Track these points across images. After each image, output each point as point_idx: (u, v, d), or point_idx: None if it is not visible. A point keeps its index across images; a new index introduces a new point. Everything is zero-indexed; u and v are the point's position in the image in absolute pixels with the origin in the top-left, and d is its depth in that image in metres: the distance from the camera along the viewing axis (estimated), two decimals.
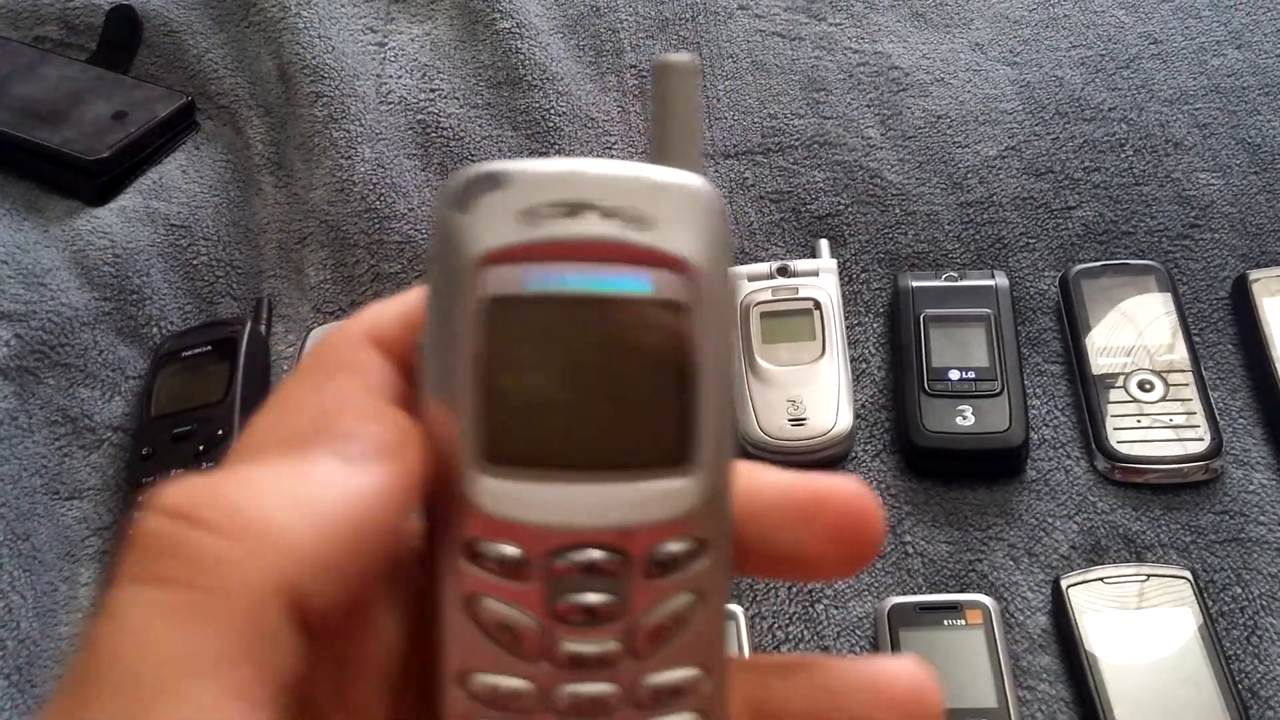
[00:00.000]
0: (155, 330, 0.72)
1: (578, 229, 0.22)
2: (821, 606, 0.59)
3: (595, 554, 0.23)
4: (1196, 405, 0.62)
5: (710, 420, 0.23)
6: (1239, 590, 0.57)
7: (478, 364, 0.23)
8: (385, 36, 0.86)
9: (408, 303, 0.27)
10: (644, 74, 0.83)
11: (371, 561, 0.23)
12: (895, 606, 0.56)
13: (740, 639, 0.56)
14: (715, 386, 0.23)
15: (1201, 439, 0.61)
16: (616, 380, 0.23)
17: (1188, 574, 0.56)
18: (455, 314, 0.23)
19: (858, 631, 0.58)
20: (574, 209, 0.23)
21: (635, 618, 0.23)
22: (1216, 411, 0.62)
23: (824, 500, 0.26)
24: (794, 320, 0.66)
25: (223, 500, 0.22)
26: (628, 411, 0.23)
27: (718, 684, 0.24)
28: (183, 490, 0.22)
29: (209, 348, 0.69)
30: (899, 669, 0.26)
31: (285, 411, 0.26)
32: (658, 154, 0.25)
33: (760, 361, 0.64)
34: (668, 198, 0.23)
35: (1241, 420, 0.63)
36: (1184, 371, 0.63)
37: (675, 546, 0.23)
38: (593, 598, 0.23)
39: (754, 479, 0.26)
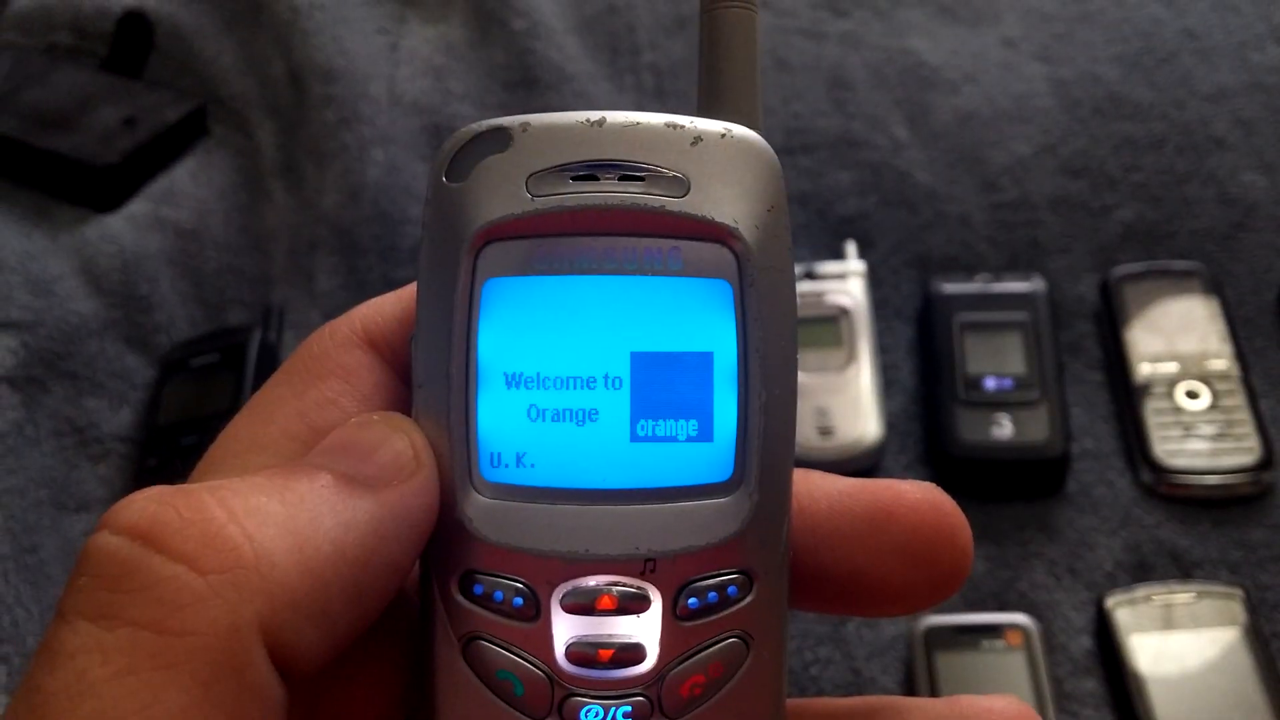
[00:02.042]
0: (163, 338, 0.70)
1: (594, 196, 0.18)
2: (851, 626, 0.56)
3: (615, 588, 0.19)
4: (1245, 414, 0.59)
5: (757, 424, 0.19)
6: None
7: (473, 361, 0.19)
8: (398, 38, 0.84)
9: (405, 298, 0.24)
10: (662, 72, 0.81)
11: (368, 601, 0.19)
12: (931, 628, 0.54)
13: None
14: (766, 382, 0.19)
15: (1251, 450, 0.58)
16: (642, 380, 0.19)
17: (1239, 592, 0.54)
18: (449, 301, 0.19)
19: (890, 653, 0.55)
20: (591, 170, 0.19)
21: (665, 667, 0.19)
22: (1266, 421, 0.59)
23: (894, 508, 0.22)
24: (820, 327, 0.63)
25: (197, 521, 0.18)
26: (656, 417, 0.19)
27: None
28: (148, 506, 0.19)
29: (217, 356, 0.68)
30: (998, 711, 0.22)
31: (265, 416, 0.23)
32: (708, 103, 0.21)
33: None
34: (709, 154, 0.18)
35: None
36: (1231, 379, 0.60)
37: (714, 579, 0.19)
38: (613, 641, 0.19)
39: (807, 486, 0.22)
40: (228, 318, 0.72)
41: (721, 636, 0.19)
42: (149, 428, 0.66)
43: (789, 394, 0.20)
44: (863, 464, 0.60)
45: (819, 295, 0.64)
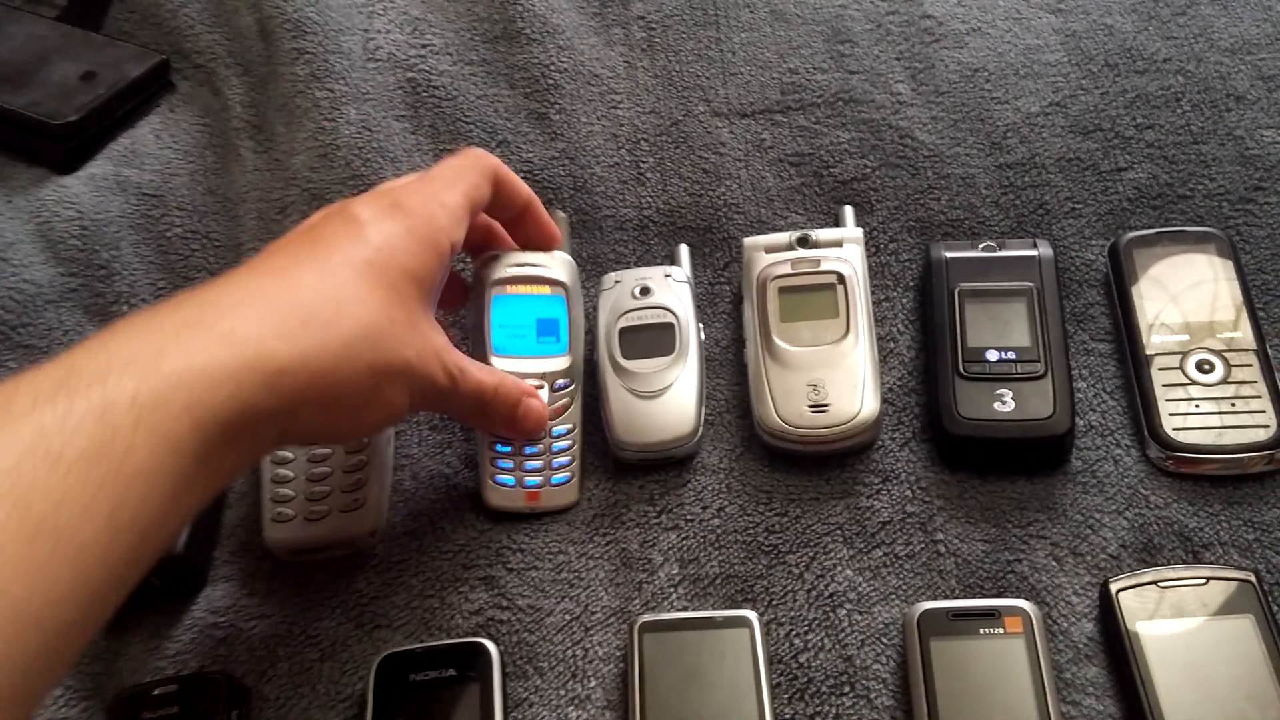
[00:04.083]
0: (125, 308, 0.67)
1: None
2: (844, 612, 0.53)
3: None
4: (1261, 388, 0.56)
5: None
6: None
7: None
8: None
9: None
10: (653, 25, 0.77)
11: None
12: (926, 613, 0.51)
13: (756, 647, 0.51)
14: None
15: (1266, 425, 0.55)
16: None
17: (1251, 576, 0.51)
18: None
19: (884, 639, 0.53)
20: None
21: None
22: None
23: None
24: (815, 296, 0.60)
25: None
26: None
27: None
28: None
29: None
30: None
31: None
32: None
33: (778, 342, 0.58)
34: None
35: None
36: (1247, 350, 0.57)
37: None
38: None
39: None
40: (193, 285, 0.68)
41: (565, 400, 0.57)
42: None
43: None
44: (858, 440, 0.57)
45: (815, 263, 0.61)
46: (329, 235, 0.47)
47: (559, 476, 0.58)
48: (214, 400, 0.38)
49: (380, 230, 0.47)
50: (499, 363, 0.57)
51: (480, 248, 0.60)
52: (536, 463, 0.57)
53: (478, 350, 0.58)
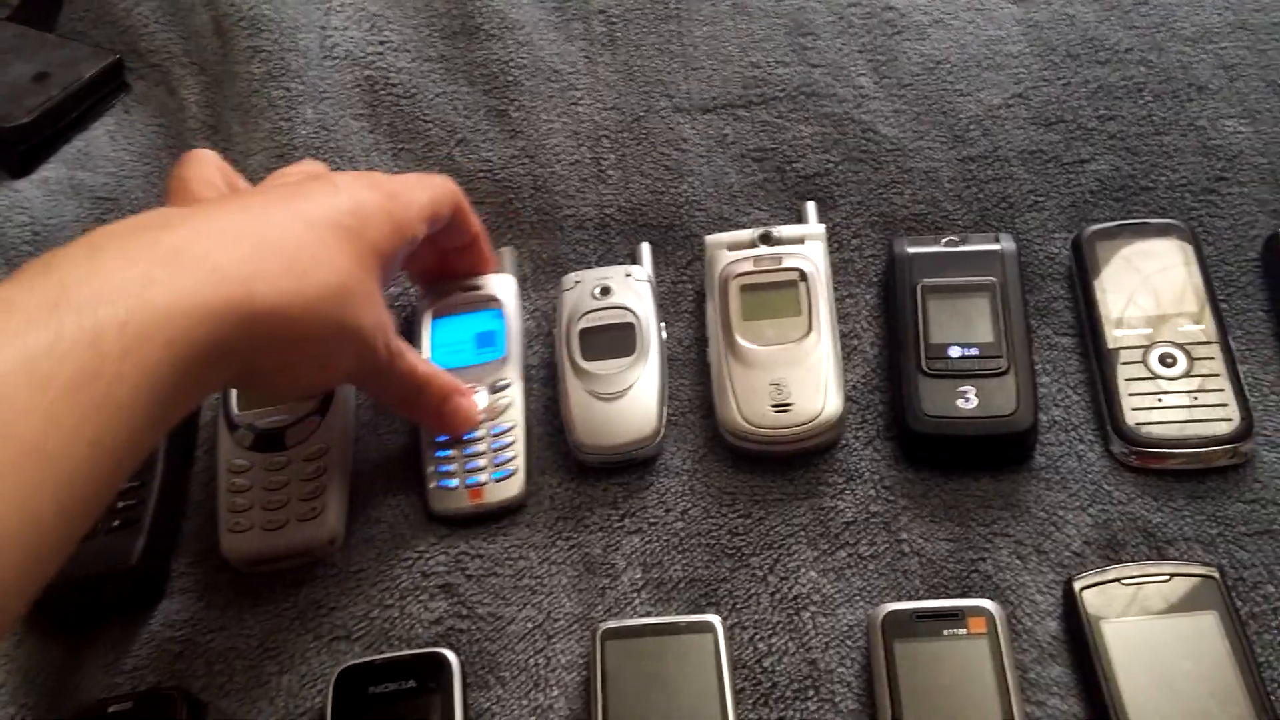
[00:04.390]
0: None
1: None
2: (808, 614, 0.53)
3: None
4: (1224, 381, 0.56)
5: None
6: (1272, 589, 0.52)
7: None
8: None
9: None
10: (614, 20, 0.76)
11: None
12: (890, 614, 0.51)
13: (719, 652, 0.50)
14: None
15: (1229, 419, 0.55)
16: None
17: (1215, 572, 0.51)
18: None
19: (848, 642, 0.52)
20: None
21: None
22: (1246, 388, 0.56)
23: None
24: (778, 294, 0.59)
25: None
26: None
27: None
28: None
29: None
30: None
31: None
32: None
33: (740, 341, 0.58)
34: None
35: (1274, 396, 0.57)
36: (1210, 344, 0.57)
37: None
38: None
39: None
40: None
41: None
42: None
43: None
44: (822, 440, 0.57)
45: (777, 261, 0.60)
46: (309, 191, 0.48)
47: (500, 472, 0.57)
48: (195, 335, 0.40)
49: (356, 198, 0.49)
50: None
51: (428, 271, 0.61)
52: (479, 461, 0.57)
53: None
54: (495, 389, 0.59)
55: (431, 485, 0.57)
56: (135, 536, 0.55)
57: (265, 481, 0.56)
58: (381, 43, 0.75)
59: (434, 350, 0.60)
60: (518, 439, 0.58)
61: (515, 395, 0.59)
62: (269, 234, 0.44)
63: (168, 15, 0.79)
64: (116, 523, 0.55)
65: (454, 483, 0.57)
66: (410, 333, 0.61)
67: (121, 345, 0.37)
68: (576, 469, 0.59)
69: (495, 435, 0.58)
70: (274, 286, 0.43)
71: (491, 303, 0.61)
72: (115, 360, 0.37)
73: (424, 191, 0.54)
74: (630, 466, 0.58)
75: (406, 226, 0.51)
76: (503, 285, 0.62)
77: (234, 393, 0.59)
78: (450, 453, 0.57)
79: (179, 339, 0.39)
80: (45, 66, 0.75)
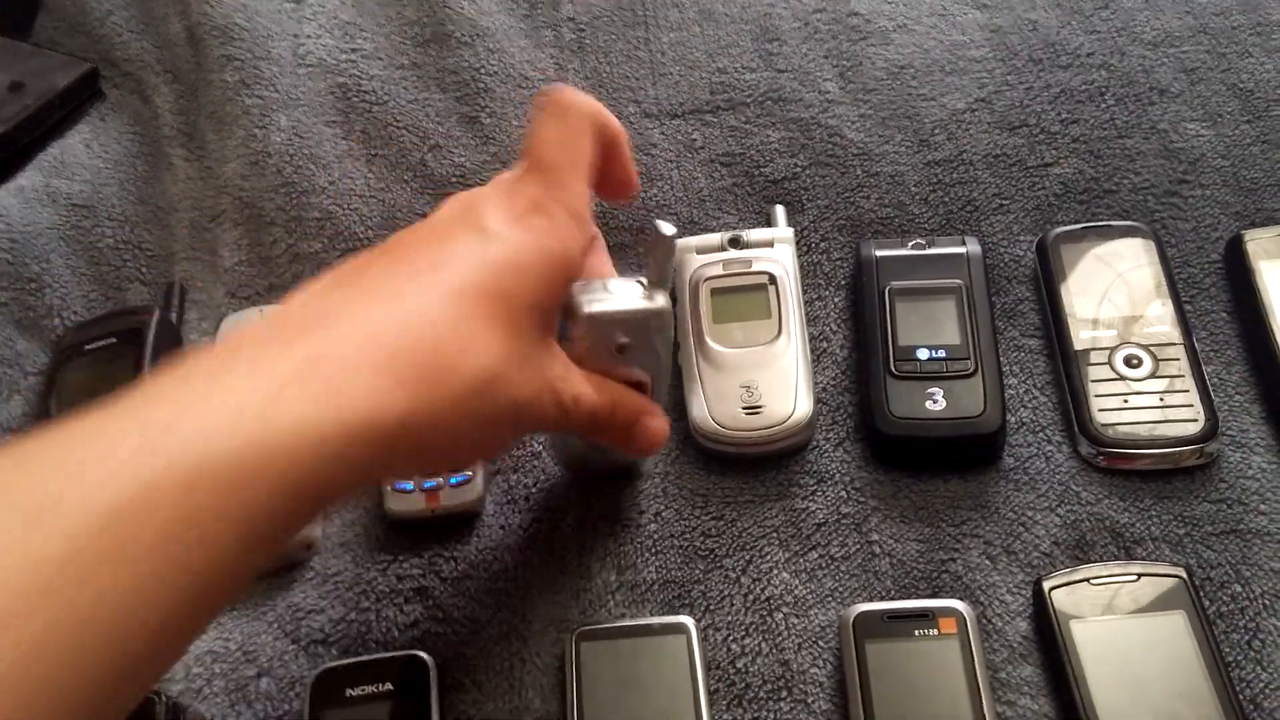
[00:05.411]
0: (57, 321, 0.66)
1: None
2: (781, 615, 0.54)
3: None
4: (1189, 382, 0.57)
5: None
6: (1239, 588, 0.52)
7: None
8: None
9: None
10: (583, 27, 0.76)
11: None
12: (861, 615, 0.51)
13: (693, 654, 0.51)
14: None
15: (1195, 419, 0.55)
16: None
17: (1182, 571, 0.51)
18: None
19: (821, 643, 0.53)
20: None
21: None
22: (1211, 388, 0.57)
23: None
24: (747, 297, 0.60)
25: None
26: None
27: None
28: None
29: (114, 339, 0.64)
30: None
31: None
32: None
33: (710, 344, 0.58)
34: None
35: (1238, 397, 0.58)
36: (1174, 345, 0.58)
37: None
38: None
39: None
40: (127, 297, 0.68)
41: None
42: (42, 417, 0.62)
43: None
44: (792, 442, 0.57)
45: (746, 264, 0.61)
46: (454, 249, 0.41)
47: (457, 477, 0.57)
48: (315, 461, 0.35)
49: (509, 244, 0.42)
50: None
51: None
52: None
53: None
54: None
55: (388, 489, 0.57)
56: None
57: None
58: (354, 50, 0.75)
59: None
60: None
61: None
62: (409, 324, 0.38)
63: (141, 24, 0.79)
64: None
65: (410, 485, 0.57)
66: None
67: (222, 497, 0.33)
68: (553, 473, 0.59)
69: None
70: (412, 394, 0.37)
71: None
72: (210, 519, 0.32)
73: (579, 177, 0.45)
74: (608, 472, 0.58)
75: (570, 255, 0.44)
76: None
77: None
78: None
79: (294, 468, 0.34)
80: (20, 76, 0.75)
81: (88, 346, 0.63)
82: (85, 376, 0.63)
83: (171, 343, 0.65)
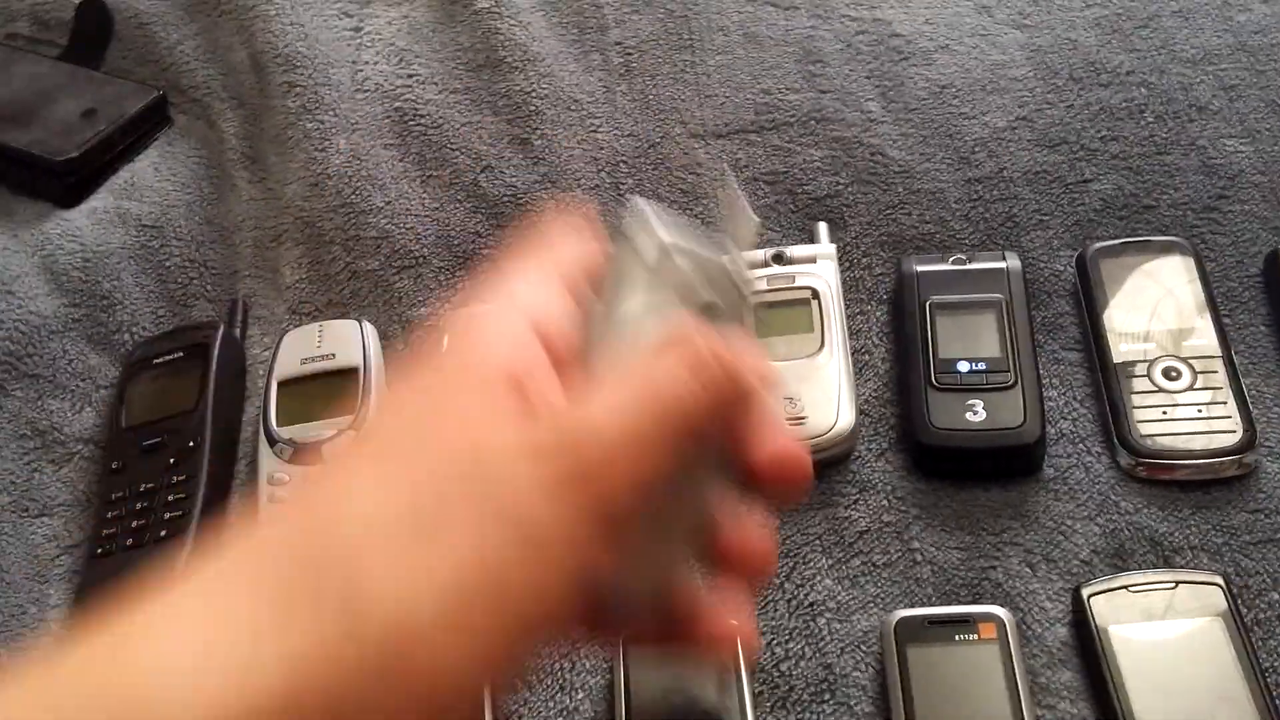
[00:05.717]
0: (127, 337, 0.69)
1: None
2: (824, 620, 0.55)
3: None
4: (1227, 394, 0.57)
5: None
6: (1276, 596, 0.53)
7: None
8: (360, 21, 0.82)
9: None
10: (630, 51, 0.79)
11: None
12: (903, 620, 0.53)
13: (739, 658, 0.52)
14: None
15: (1233, 431, 0.56)
16: None
17: (1220, 580, 0.52)
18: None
19: (863, 647, 0.54)
20: None
21: None
22: (1250, 400, 0.57)
23: None
24: (791, 311, 0.62)
25: None
26: None
27: None
28: None
29: (181, 354, 0.67)
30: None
31: None
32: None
33: None
34: None
35: (1277, 409, 0.59)
36: (1213, 357, 0.58)
37: None
38: None
39: None
40: (193, 313, 0.71)
41: None
42: (112, 429, 0.65)
43: None
44: (835, 452, 0.59)
45: (789, 279, 0.63)
46: (491, 480, 0.29)
47: None
48: None
49: (560, 430, 0.30)
50: None
51: None
52: None
53: None
54: None
55: None
56: (181, 547, 0.58)
57: None
58: (410, 76, 0.78)
59: None
60: None
61: None
62: (450, 545, 0.28)
63: (208, 53, 0.82)
64: (164, 534, 0.58)
65: None
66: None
67: None
68: None
69: None
70: (453, 642, 0.27)
71: None
72: None
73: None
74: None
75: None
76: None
77: (273, 407, 0.62)
78: None
79: None
80: (93, 103, 0.79)
81: (156, 360, 0.67)
82: (153, 389, 0.66)
83: (235, 357, 0.68)
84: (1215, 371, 0.58)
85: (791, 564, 0.56)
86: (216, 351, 0.66)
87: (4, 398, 0.65)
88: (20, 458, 0.64)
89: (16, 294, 0.69)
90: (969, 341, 0.60)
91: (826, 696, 0.52)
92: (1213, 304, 0.60)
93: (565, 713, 0.53)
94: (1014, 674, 0.50)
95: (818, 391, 0.59)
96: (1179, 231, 0.65)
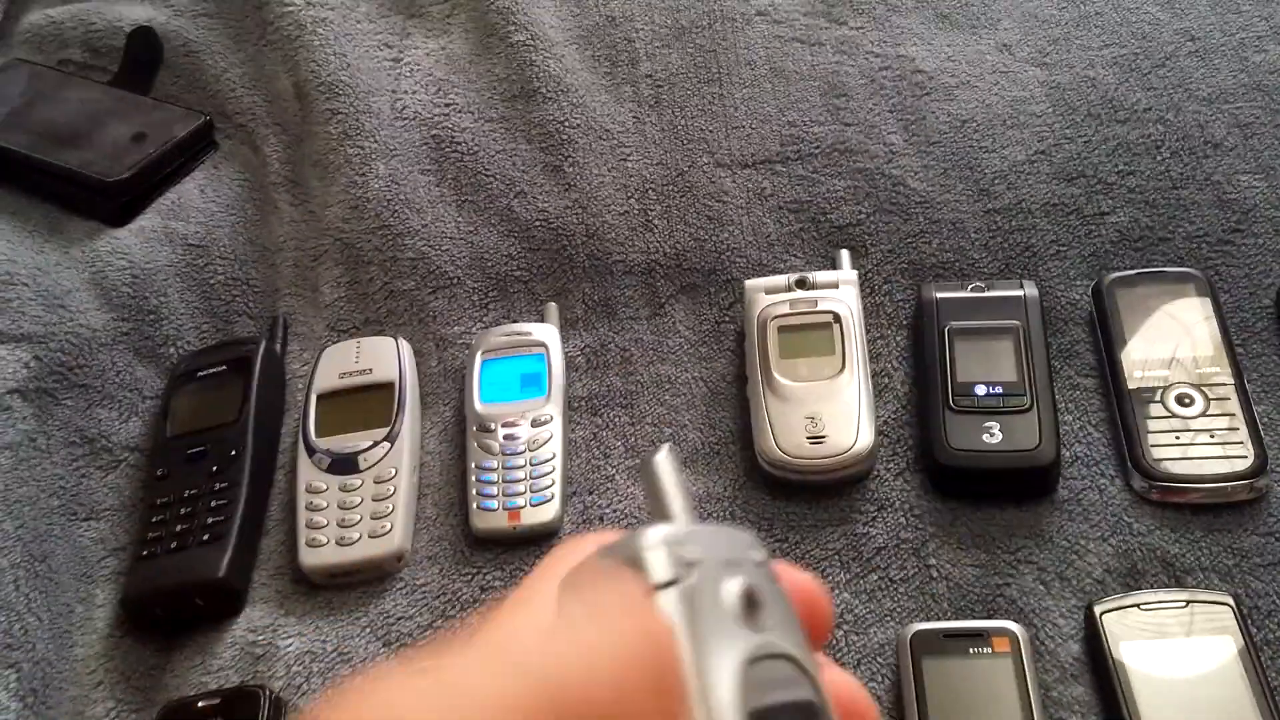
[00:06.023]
0: (172, 350, 0.72)
1: None
2: (841, 633, 0.56)
3: None
4: (1239, 420, 0.59)
5: None
6: None
7: None
8: (400, 52, 0.85)
9: None
10: (660, 83, 0.82)
11: None
12: (918, 633, 0.54)
13: None
14: None
15: (1245, 456, 0.57)
16: None
17: (1230, 600, 0.53)
18: None
19: (879, 659, 0.55)
20: None
21: None
22: (1261, 427, 0.59)
23: None
24: (813, 334, 0.64)
25: None
26: None
27: None
28: None
29: (224, 367, 0.69)
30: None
31: None
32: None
33: (778, 377, 0.62)
34: None
35: None
36: (1226, 385, 0.60)
37: None
38: None
39: None
40: (235, 329, 0.74)
41: None
42: (157, 438, 0.67)
43: None
44: (854, 471, 0.60)
45: (812, 304, 0.65)
46: None
47: (538, 498, 0.61)
48: None
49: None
50: (486, 409, 0.64)
51: None
52: (518, 486, 0.61)
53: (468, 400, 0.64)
54: (536, 424, 0.63)
55: (474, 506, 0.61)
56: (222, 550, 0.60)
57: (340, 501, 0.61)
58: (447, 105, 0.81)
59: (482, 388, 0.65)
60: (556, 468, 0.62)
61: (555, 430, 0.64)
62: None
63: (253, 81, 0.85)
64: (205, 537, 0.61)
65: (494, 504, 0.61)
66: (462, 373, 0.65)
67: None
68: (621, 493, 0.63)
69: (535, 464, 0.62)
70: None
71: (537, 347, 0.66)
72: None
73: None
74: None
75: None
76: (547, 333, 0.67)
77: (312, 419, 0.64)
78: (492, 477, 0.62)
79: None
80: (142, 127, 0.82)
81: (200, 373, 0.69)
82: (197, 401, 0.68)
83: (276, 371, 0.70)
84: (1228, 399, 0.59)
85: None
86: (258, 365, 0.68)
87: (55, 406, 0.67)
88: (70, 464, 0.66)
89: (68, 308, 0.72)
90: (986, 366, 0.62)
91: None
92: (1226, 333, 0.62)
93: None
94: (1027, 688, 0.51)
95: (838, 412, 0.61)
96: (1194, 264, 0.67)
